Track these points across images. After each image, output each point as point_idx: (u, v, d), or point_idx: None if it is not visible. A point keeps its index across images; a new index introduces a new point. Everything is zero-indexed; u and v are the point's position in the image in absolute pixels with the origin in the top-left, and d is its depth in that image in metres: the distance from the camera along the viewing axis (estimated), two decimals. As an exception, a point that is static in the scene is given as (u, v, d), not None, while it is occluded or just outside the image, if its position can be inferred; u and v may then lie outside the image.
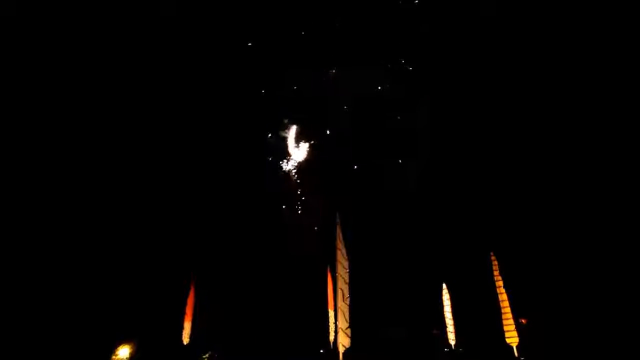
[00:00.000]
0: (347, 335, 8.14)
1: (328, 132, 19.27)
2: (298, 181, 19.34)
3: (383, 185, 18.43)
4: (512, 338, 11.39)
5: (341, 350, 8.14)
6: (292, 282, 16.87)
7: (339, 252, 8.75)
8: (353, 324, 8.22)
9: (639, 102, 14.44)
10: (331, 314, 12.40)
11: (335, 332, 9.07)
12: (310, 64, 18.40)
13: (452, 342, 13.67)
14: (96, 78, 16.15)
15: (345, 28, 18.14)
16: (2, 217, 13.73)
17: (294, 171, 19.44)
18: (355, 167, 19.27)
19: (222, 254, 17.47)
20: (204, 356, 15.34)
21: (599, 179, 15.01)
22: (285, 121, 19.62)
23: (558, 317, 14.17)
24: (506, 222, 16.28)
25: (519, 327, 11.70)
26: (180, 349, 13.30)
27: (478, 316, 14.48)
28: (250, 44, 18.21)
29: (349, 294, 8.42)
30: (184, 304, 13.74)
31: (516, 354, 11.35)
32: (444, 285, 14.38)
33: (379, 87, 18.62)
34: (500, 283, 11.92)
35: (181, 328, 13.42)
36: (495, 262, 12.21)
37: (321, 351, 14.70)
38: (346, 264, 8.69)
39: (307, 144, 19.62)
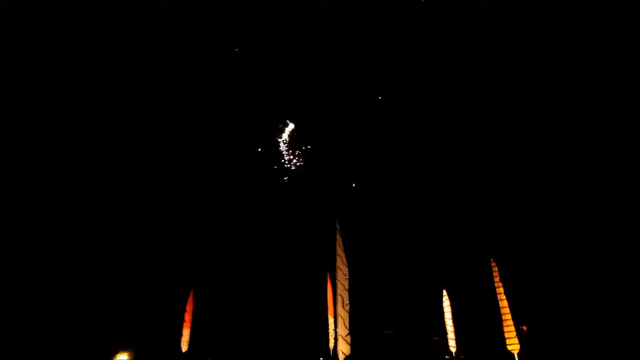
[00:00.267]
0: (347, 343, 8.06)
1: (328, 135, 19.30)
2: (297, 187, 19.34)
3: (383, 191, 18.42)
4: (513, 345, 11.30)
5: (341, 357, 8.06)
6: (291, 289, 16.79)
7: (338, 259, 8.70)
8: (353, 331, 8.16)
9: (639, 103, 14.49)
10: (331, 321, 12.31)
11: (335, 339, 8.99)
12: (310, 64, 18.45)
13: (453, 349, 13.55)
14: (96, 78, 16.19)
15: (345, 28, 18.15)
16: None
17: (293, 177, 19.45)
18: (356, 172, 19.29)
19: (221, 261, 17.40)
20: (202, 364, 15.21)
21: (600, 184, 15.02)
22: (285, 125, 19.67)
23: (559, 324, 14.09)
24: (507, 228, 16.26)
25: (520, 334, 11.60)
26: (179, 357, 13.19)
27: (479, 323, 14.40)
28: (250, 44, 18.24)
29: (349, 300, 8.36)
30: (183, 311, 13.66)
31: (517, 360, 11.26)
32: (445, 292, 14.29)
33: (379, 88, 18.69)
34: (501, 289, 11.84)
35: (180, 335, 13.33)
36: (496, 268, 12.15)
37: (321, 359, 14.58)
38: (346, 270, 8.63)
39: (306, 149, 19.64)
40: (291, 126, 19.66)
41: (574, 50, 15.71)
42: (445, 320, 13.93)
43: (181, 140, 17.69)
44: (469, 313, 14.65)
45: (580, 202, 15.32)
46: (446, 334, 13.86)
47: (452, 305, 14.06)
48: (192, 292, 13.98)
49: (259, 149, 19.34)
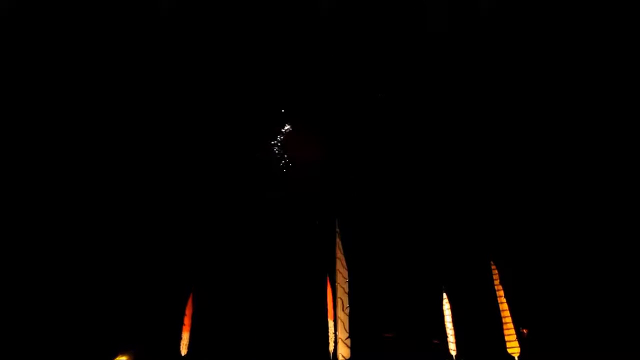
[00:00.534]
0: (347, 346, 8.03)
1: (328, 135, 19.29)
2: (296, 189, 19.33)
3: (383, 194, 18.41)
4: (514, 348, 11.28)
5: (341, 361, 8.03)
6: (291, 292, 16.75)
7: (338, 262, 8.69)
8: (353, 334, 8.13)
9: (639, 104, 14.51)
10: (330, 324, 12.27)
11: (335, 342, 8.94)
12: (310, 64, 18.45)
13: (453, 352, 13.50)
14: (96, 78, 16.21)
15: (345, 28, 18.14)
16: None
17: (292, 179, 19.44)
18: (355, 174, 19.27)
19: (220, 264, 17.38)
20: (201, 367, 15.15)
21: (601, 187, 15.02)
22: (285, 126, 19.68)
23: (560, 327, 14.06)
24: (507, 231, 16.25)
25: (520, 337, 11.58)
26: (178, 360, 13.15)
27: (479, 326, 14.37)
28: (249, 44, 18.22)
29: (349, 303, 8.34)
30: (182, 314, 13.62)
31: (518, 364, 11.22)
32: (445, 294, 14.26)
33: (378, 88, 18.70)
34: (501, 292, 11.83)
35: (179, 338, 13.29)
36: (496, 271, 12.14)
37: (320, 362, 14.52)
38: (345, 273, 8.61)
39: (306, 150, 19.63)
40: (291, 127, 19.69)
41: (574, 50, 15.73)
42: (446, 323, 13.88)
43: (181, 141, 17.70)
44: (469, 316, 14.61)
45: (580, 204, 15.32)
46: (446, 337, 13.81)
47: (452, 308, 14.03)
48: (191, 295, 13.96)
49: (259, 151, 19.36)
